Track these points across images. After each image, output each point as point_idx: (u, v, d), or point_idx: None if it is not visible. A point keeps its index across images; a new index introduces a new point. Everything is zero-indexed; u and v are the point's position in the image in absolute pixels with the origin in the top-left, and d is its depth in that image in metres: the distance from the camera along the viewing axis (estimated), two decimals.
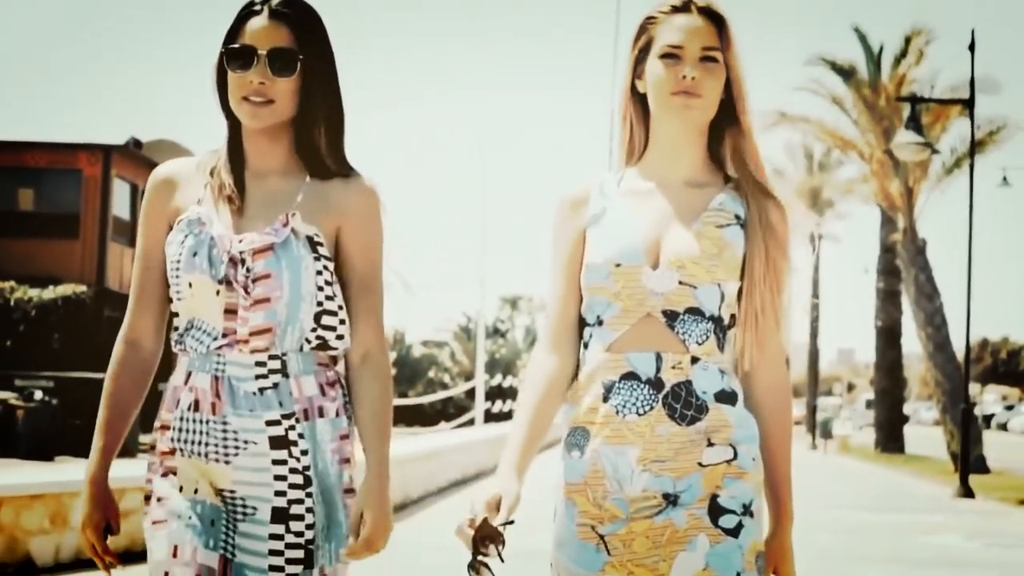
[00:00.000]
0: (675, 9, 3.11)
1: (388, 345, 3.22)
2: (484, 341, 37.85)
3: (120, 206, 31.72)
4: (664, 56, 3.08)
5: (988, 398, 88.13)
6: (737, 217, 3.11)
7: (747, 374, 3.11)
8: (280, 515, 3.03)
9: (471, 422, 38.10)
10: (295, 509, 3.03)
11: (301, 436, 3.06)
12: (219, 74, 3.16)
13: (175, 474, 3.11)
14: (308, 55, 3.11)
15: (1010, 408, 76.38)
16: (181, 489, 3.10)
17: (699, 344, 3.05)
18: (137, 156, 31.07)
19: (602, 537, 3.01)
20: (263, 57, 3.08)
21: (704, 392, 3.03)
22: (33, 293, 28.36)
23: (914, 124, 22.22)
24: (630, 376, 3.03)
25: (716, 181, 3.17)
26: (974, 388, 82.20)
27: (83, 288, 28.87)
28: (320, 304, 3.09)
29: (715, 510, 2.99)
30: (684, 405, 3.02)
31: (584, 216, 3.16)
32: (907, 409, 79.97)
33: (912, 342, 30.66)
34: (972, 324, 23.41)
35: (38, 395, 22.44)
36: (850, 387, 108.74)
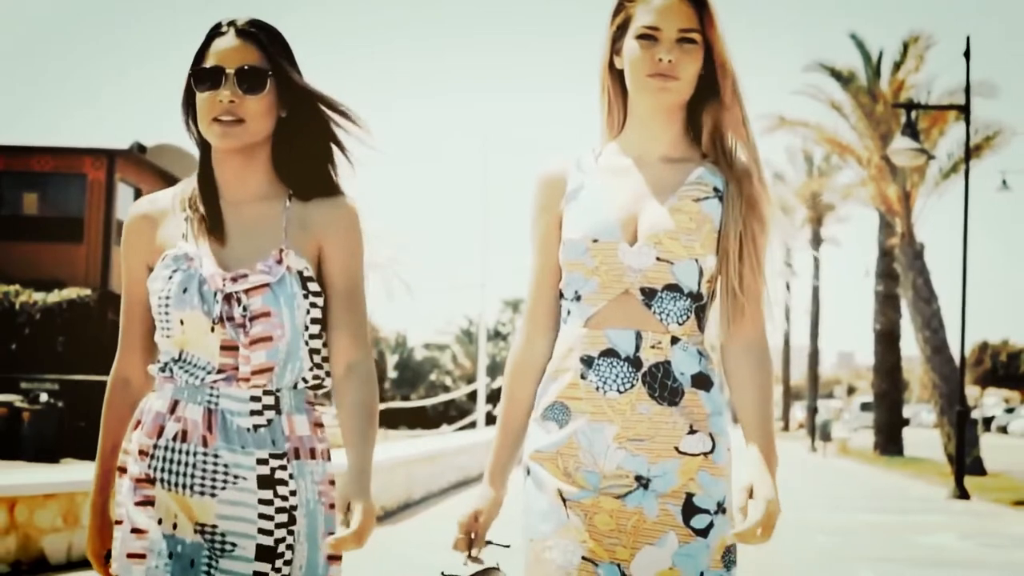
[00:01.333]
0: None
1: (373, 356, 3.18)
2: (486, 344, 38.03)
3: (124, 210, 31.86)
4: (641, 37, 3.06)
5: (989, 401, 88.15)
6: (716, 189, 3.08)
7: (725, 348, 3.09)
8: (266, 553, 2.99)
9: (473, 425, 38.30)
10: (281, 548, 3.00)
11: (291, 476, 3.03)
12: (187, 97, 3.12)
13: (152, 504, 3.04)
14: (278, 72, 3.07)
15: (1011, 411, 76.46)
16: (160, 522, 3.04)
17: (679, 324, 3.03)
18: (141, 160, 31.27)
19: (565, 501, 3.00)
20: (231, 76, 3.03)
21: (682, 374, 3.02)
22: (38, 296, 28.53)
23: (910, 130, 22.43)
24: (609, 353, 3.02)
25: (695, 156, 3.14)
26: (974, 391, 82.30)
27: (87, 292, 29.05)
28: (311, 341, 3.08)
29: (689, 509, 2.98)
30: (661, 387, 3.00)
31: (561, 193, 3.15)
32: (908, 412, 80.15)
33: (912, 345, 30.76)
34: (972, 327, 23.60)
35: (43, 398, 22.65)
36: (851, 390, 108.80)
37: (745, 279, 3.06)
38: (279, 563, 2.99)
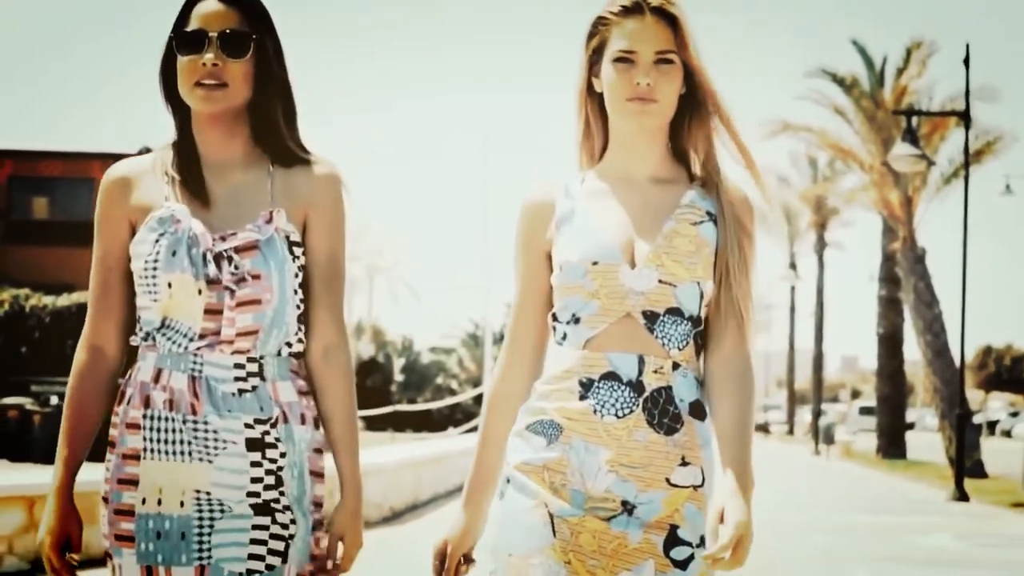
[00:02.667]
0: (626, 10, 3.04)
1: (349, 337, 3.13)
2: (491, 347, 38.23)
3: None
4: (617, 60, 3.03)
5: (994, 405, 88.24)
6: (708, 214, 3.06)
7: (715, 367, 3.05)
8: (264, 508, 2.96)
9: (474, 429, 38.39)
10: (276, 505, 2.97)
11: (278, 440, 2.99)
12: (165, 64, 3.08)
13: (136, 484, 3.00)
14: (260, 37, 3.05)
15: (1015, 415, 76.50)
16: (144, 502, 2.99)
17: (679, 349, 3.00)
18: None
19: (552, 517, 2.95)
20: (215, 40, 3.00)
21: (682, 400, 2.99)
22: (47, 300, 28.74)
23: (910, 137, 22.67)
24: (610, 376, 2.97)
25: (681, 177, 3.11)
26: (978, 395, 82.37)
27: None
28: (298, 307, 3.03)
29: (671, 540, 2.95)
30: (662, 412, 2.97)
31: (550, 218, 3.10)
32: (913, 415, 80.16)
33: (916, 349, 30.97)
34: (976, 331, 23.84)
35: (54, 400, 22.84)
36: (855, 394, 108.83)
37: (740, 304, 3.03)
38: (285, 518, 2.97)
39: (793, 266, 62.24)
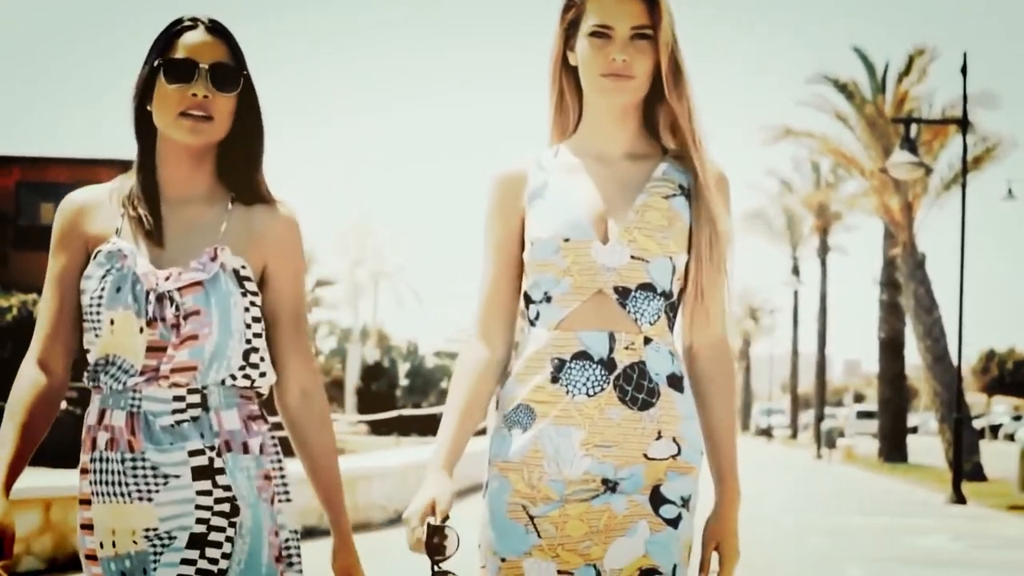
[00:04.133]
0: None
1: (321, 383, 3.10)
2: None
3: None
4: (593, 35, 2.97)
5: (998, 409, 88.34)
6: (681, 187, 3.02)
7: (691, 348, 3.04)
8: (196, 541, 2.88)
9: (483, 432, 38.65)
10: (214, 536, 2.88)
11: (223, 470, 2.90)
12: (142, 90, 3.00)
13: (92, 528, 2.95)
14: (247, 73, 3.01)
15: (1018, 418, 76.56)
16: (102, 546, 2.94)
17: (651, 324, 2.96)
18: None
19: (532, 518, 2.93)
20: (205, 72, 2.94)
21: (657, 374, 2.95)
22: None
23: (908, 144, 22.92)
24: (582, 355, 2.93)
25: (655, 152, 3.07)
26: (981, 399, 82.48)
27: None
28: (249, 342, 2.96)
29: (656, 499, 2.92)
30: (636, 388, 2.93)
31: (522, 193, 3.05)
32: (917, 420, 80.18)
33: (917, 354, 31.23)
34: (979, 335, 24.09)
35: (62, 405, 23.09)
36: (859, 398, 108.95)
37: (709, 279, 2.99)
38: (213, 552, 2.87)
39: (796, 271, 62.45)
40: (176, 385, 2.90)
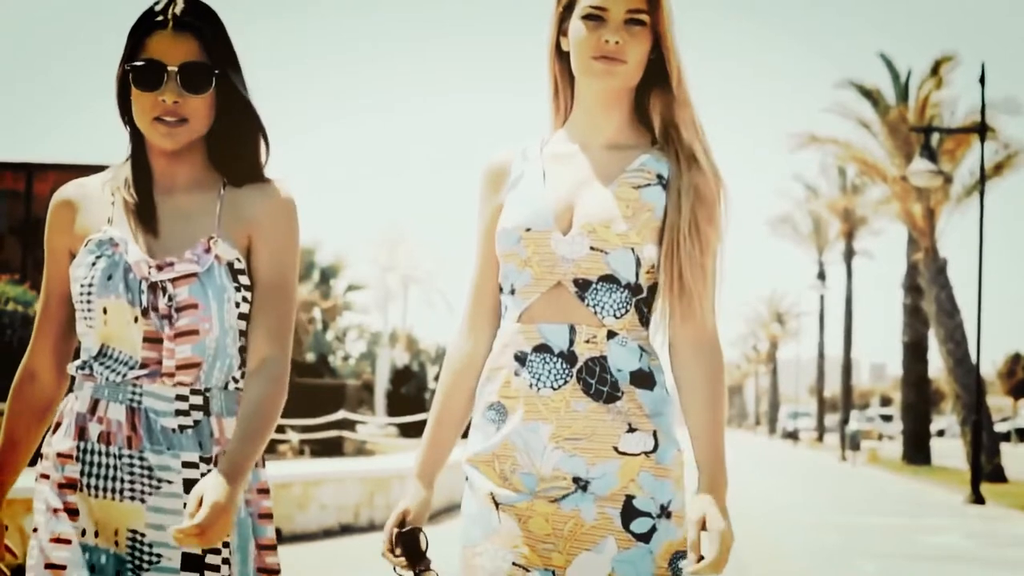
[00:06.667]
0: None
1: (289, 355, 2.92)
2: None
3: None
4: (587, 17, 2.89)
5: None
6: (659, 177, 2.92)
7: (672, 342, 2.92)
8: (193, 562, 2.80)
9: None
10: (211, 559, 2.80)
11: None
12: (121, 88, 2.92)
13: (77, 513, 2.85)
14: (220, 67, 2.89)
15: None
16: (84, 533, 2.85)
17: (616, 317, 2.87)
18: None
19: (498, 506, 2.88)
20: (174, 74, 2.84)
21: (619, 371, 2.86)
22: None
23: (928, 152, 23.32)
24: (542, 348, 2.86)
25: (642, 143, 2.97)
26: (1007, 402, 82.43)
27: None
28: (243, 336, 2.91)
29: (628, 512, 2.83)
30: (599, 381, 2.85)
31: (504, 182, 3.01)
32: (943, 422, 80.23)
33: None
34: (1003, 339, 24.37)
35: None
36: (885, 401, 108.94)
37: (685, 272, 2.86)
38: (210, 574, 2.81)
39: (822, 276, 62.63)
40: (181, 384, 2.84)
